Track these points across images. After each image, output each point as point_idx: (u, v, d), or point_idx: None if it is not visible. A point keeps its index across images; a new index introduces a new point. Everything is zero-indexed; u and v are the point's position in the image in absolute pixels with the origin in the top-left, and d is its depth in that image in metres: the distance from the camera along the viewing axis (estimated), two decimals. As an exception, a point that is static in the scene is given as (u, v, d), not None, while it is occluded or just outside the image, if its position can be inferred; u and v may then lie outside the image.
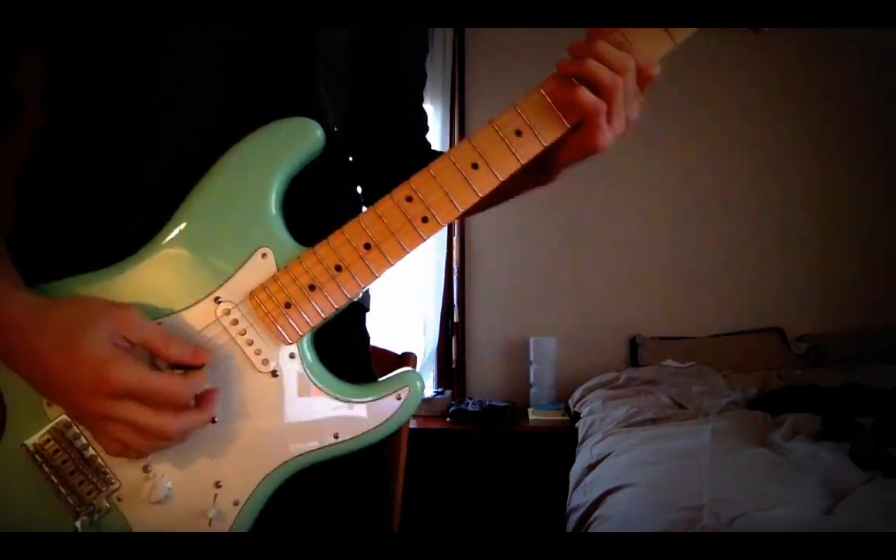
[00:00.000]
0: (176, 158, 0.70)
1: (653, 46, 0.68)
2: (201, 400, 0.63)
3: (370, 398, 0.68)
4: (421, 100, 0.96)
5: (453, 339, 3.18)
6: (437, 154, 0.93)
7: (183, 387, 0.61)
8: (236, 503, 0.66)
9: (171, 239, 0.67)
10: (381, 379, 0.71)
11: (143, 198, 0.70)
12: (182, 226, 0.67)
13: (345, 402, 0.68)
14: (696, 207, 3.18)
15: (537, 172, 0.73)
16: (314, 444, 0.67)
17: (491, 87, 3.16)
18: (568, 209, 3.12)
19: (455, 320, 3.18)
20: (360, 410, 0.68)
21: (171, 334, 0.63)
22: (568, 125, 0.68)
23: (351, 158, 0.89)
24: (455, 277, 3.16)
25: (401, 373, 0.70)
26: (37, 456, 0.64)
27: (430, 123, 0.99)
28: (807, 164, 3.17)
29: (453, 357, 3.17)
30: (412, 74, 0.93)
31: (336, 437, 0.67)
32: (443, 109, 3.06)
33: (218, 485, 0.66)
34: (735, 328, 3.12)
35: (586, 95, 0.65)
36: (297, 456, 0.67)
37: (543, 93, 0.68)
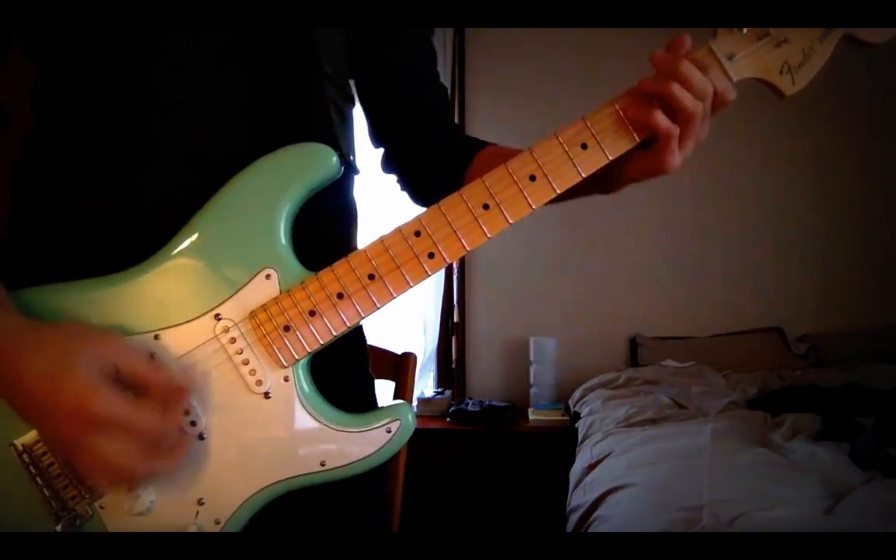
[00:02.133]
0: (170, 161, 0.70)
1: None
2: (177, 443, 0.63)
3: (360, 429, 0.68)
4: (430, 79, 0.92)
5: (453, 339, 3.18)
6: (464, 137, 0.90)
7: (166, 424, 0.61)
8: (217, 522, 0.66)
9: (179, 251, 0.66)
10: (376, 410, 0.70)
11: (136, 200, 0.69)
12: (190, 239, 0.67)
13: (335, 430, 0.68)
14: (697, 207, 3.18)
15: (600, 182, 0.71)
16: (300, 470, 0.67)
17: (491, 87, 3.16)
18: (567, 209, 3.10)
19: (455, 320, 3.18)
20: (349, 440, 0.68)
21: (157, 362, 0.63)
22: (638, 140, 0.67)
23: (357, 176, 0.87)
24: (455, 277, 3.16)
25: (393, 405, 0.70)
26: (24, 456, 0.63)
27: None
28: (807, 164, 3.17)
29: (453, 357, 3.17)
30: (415, 58, 0.90)
31: (323, 465, 0.67)
32: (443, 109, 3.04)
33: (201, 502, 0.66)
34: (735, 328, 3.12)
35: (662, 119, 0.65)
36: (282, 480, 0.67)
37: (617, 107, 0.67)
